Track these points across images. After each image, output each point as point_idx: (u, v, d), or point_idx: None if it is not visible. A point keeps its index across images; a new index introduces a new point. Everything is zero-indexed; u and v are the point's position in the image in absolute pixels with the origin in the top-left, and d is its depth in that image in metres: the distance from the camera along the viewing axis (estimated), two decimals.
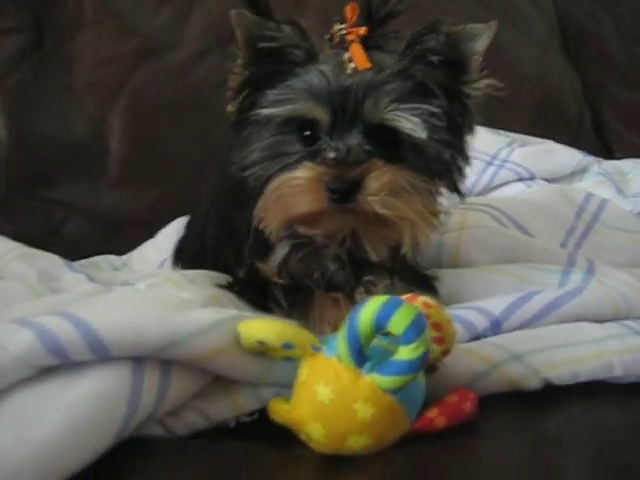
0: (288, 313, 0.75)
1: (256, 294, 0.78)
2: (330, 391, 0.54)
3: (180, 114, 1.44)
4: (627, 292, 0.80)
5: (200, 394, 0.60)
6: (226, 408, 0.60)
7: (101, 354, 0.54)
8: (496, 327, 0.73)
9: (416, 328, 0.52)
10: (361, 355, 0.54)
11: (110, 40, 1.43)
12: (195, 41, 1.50)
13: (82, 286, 0.98)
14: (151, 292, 0.70)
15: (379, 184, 0.71)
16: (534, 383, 0.64)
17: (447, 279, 0.86)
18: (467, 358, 0.65)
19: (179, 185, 1.41)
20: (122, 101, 1.40)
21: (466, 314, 0.74)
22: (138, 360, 0.56)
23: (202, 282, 0.79)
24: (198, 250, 1.00)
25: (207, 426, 0.60)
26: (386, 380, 0.54)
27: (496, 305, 0.75)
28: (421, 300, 0.60)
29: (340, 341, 0.55)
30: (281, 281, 0.79)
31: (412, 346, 0.52)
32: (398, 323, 0.52)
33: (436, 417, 0.57)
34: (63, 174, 1.34)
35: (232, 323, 0.59)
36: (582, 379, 0.65)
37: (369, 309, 0.53)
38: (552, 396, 0.64)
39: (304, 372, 0.57)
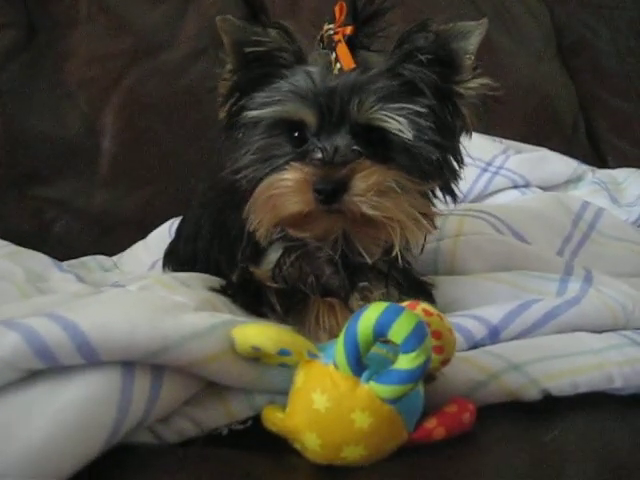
0: (283, 318, 0.73)
1: (250, 298, 0.76)
2: (327, 399, 0.53)
3: (173, 114, 1.43)
4: (625, 302, 0.79)
5: (192, 400, 0.58)
6: (218, 415, 0.59)
7: (90, 358, 0.52)
8: (494, 336, 0.72)
9: (417, 337, 0.51)
10: (359, 363, 0.53)
11: (104, 38, 1.41)
12: (190, 41, 1.49)
13: (71, 287, 0.96)
14: (142, 294, 0.68)
15: (366, 184, 0.70)
16: (533, 394, 0.63)
17: (443, 286, 0.85)
18: (465, 367, 0.63)
19: (171, 185, 1.39)
20: (115, 99, 1.38)
21: (464, 322, 0.72)
22: (128, 364, 0.54)
23: (195, 285, 0.77)
24: (189, 253, 0.99)
25: (198, 433, 0.58)
26: (385, 389, 0.52)
27: (494, 313, 0.74)
28: (422, 307, 0.59)
29: (338, 348, 0.53)
30: (275, 285, 0.77)
31: (412, 355, 0.51)
32: (399, 331, 0.51)
33: (435, 428, 0.55)
34: (55, 172, 1.32)
35: (226, 328, 0.58)
36: (581, 390, 0.64)
37: (369, 316, 0.52)
38: (551, 407, 0.63)
39: (300, 379, 0.56)
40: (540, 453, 0.57)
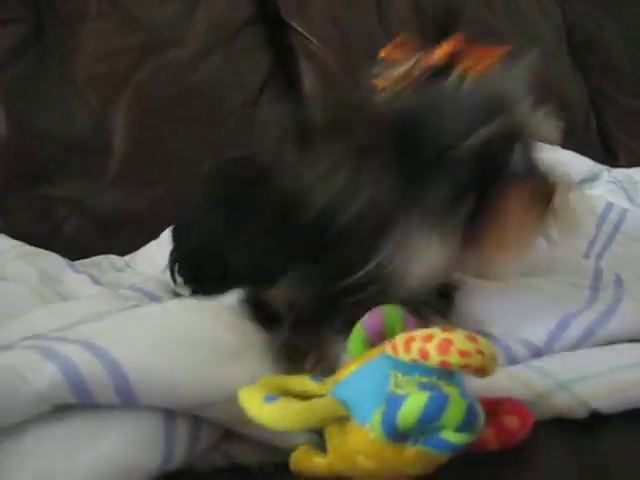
0: None
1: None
2: (374, 463, 0.50)
3: (184, 111, 1.41)
4: None
5: (225, 435, 0.57)
6: (250, 452, 0.57)
7: (127, 400, 0.51)
8: (537, 355, 0.69)
9: (468, 423, 0.48)
10: (401, 439, 0.49)
11: (114, 34, 1.39)
12: (200, 38, 1.47)
13: (87, 289, 0.93)
14: (187, 323, 0.63)
15: None
16: (581, 412, 0.60)
17: (469, 292, 0.81)
18: (512, 385, 0.61)
19: (182, 184, 1.36)
20: (125, 96, 1.36)
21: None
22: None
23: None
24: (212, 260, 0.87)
25: (229, 466, 0.56)
26: (435, 453, 0.49)
27: (537, 334, 0.71)
28: (457, 349, 0.50)
29: (375, 418, 0.50)
30: None
31: (464, 435, 0.48)
32: (449, 423, 0.48)
33: (491, 441, 0.53)
34: (63, 171, 1.29)
35: None
36: (629, 406, 0.61)
37: (411, 407, 0.48)
38: (598, 423, 0.60)
39: (336, 438, 0.52)
40: (590, 475, 0.55)
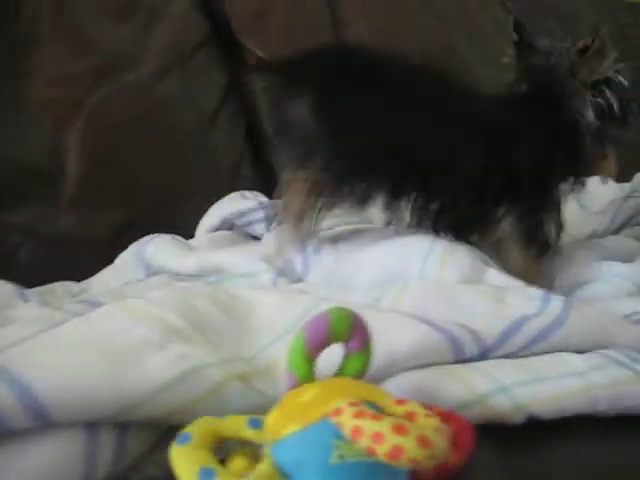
0: None
1: None
2: None
3: (140, 134, 1.40)
4: (604, 321, 0.78)
5: (159, 444, 0.55)
6: None
7: (44, 423, 0.50)
8: (483, 355, 0.69)
9: None
10: None
11: (67, 57, 1.38)
12: (155, 59, 1.47)
13: (32, 313, 0.92)
14: (101, 330, 0.62)
15: None
16: (518, 418, 0.61)
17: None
18: (455, 386, 0.62)
19: (138, 207, 1.36)
20: (80, 120, 1.35)
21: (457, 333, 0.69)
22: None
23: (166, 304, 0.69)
24: None
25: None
26: None
27: (489, 331, 0.70)
28: (416, 440, 0.45)
29: None
30: None
31: None
32: None
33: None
34: (18, 197, 1.28)
35: (196, 376, 0.55)
36: (567, 414, 0.62)
37: None
38: (533, 430, 0.60)
39: None
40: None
